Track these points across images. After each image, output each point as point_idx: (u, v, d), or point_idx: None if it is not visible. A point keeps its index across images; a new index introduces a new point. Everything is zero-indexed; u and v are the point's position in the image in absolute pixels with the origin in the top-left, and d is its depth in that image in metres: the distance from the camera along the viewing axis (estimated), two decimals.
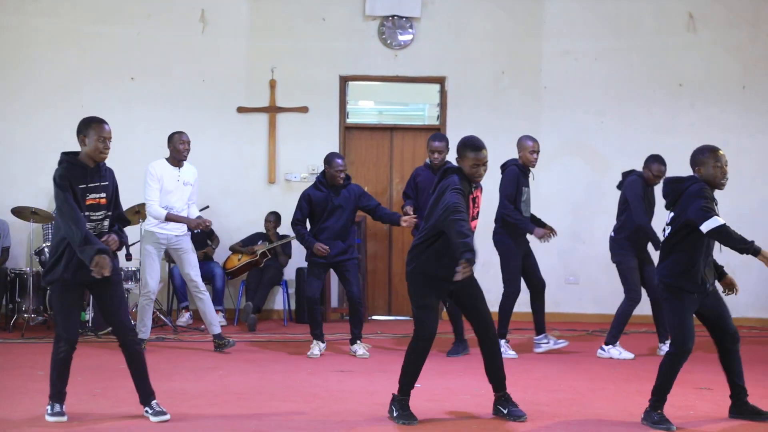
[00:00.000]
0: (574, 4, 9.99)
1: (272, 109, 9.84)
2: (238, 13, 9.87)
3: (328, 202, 7.34)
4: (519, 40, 9.99)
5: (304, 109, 9.85)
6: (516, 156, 7.53)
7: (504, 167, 7.48)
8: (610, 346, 7.46)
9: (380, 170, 10.12)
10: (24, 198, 9.00)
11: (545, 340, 7.63)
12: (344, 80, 9.94)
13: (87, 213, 4.89)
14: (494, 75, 9.97)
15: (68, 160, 4.93)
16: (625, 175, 7.67)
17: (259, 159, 9.86)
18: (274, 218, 9.50)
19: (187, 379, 6.26)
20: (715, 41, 9.90)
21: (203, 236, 9.26)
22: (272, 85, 9.84)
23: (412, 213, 7.45)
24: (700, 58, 9.90)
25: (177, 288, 9.20)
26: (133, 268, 8.27)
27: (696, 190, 4.97)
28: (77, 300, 5.07)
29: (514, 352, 7.44)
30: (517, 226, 7.38)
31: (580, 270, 9.88)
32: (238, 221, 9.63)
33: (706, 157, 5.06)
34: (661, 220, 6.29)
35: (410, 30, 9.91)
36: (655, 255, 7.48)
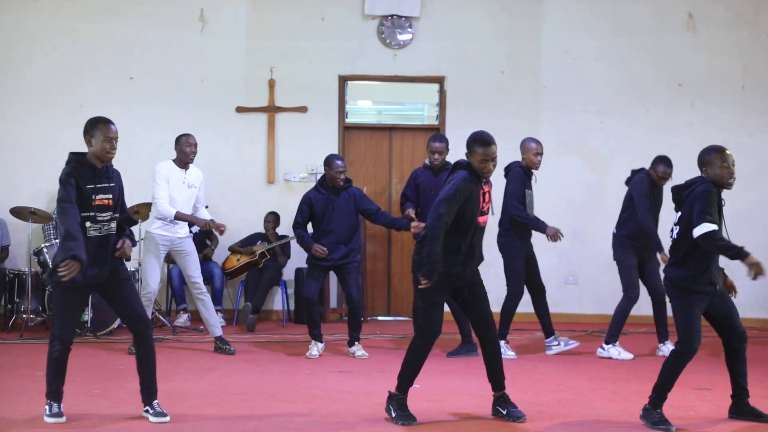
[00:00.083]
0: (573, 3, 9.99)
1: (271, 109, 9.83)
2: (237, 12, 9.85)
3: (329, 205, 7.32)
4: (518, 40, 9.98)
5: (303, 109, 9.84)
6: (516, 157, 7.53)
7: (508, 170, 7.48)
8: (610, 346, 7.46)
9: (379, 170, 10.11)
10: (23, 198, 8.99)
11: (555, 342, 7.63)
12: (343, 80, 9.93)
13: (94, 213, 4.88)
14: (494, 74, 9.96)
15: (77, 160, 4.92)
16: (635, 172, 7.66)
17: (258, 159, 9.85)
18: (273, 218, 9.49)
19: (186, 380, 6.25)
20: (714, 41, 9.89)
21: (202, 237, 9.24)
22: (271, 84, 9.83)
23: (413, 216, 7.44)
24: (699, 57, 9.89)
25: (175, 290, 9.19)
26: (132, 269, 8.26)
27: (700, 192, 4.97)
28: (80, 302, 5.06)
29: (513, 353, 7.44)
30: (523, 228, 7.38)
31: (580, 270, 9.88)
32: (237, 221, 9.61)
33: (712, 157, 5.06)
34: (665, 221, 6.31)
35: (409, 29, 9.90)
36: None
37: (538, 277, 7.57)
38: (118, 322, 8.17)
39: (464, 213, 4.98)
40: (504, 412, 5.15)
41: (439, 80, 9.97)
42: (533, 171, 7.50)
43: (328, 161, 7.39)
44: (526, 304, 7.62)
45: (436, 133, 8.58)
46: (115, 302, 5.11)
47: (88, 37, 9.60)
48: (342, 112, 9.93)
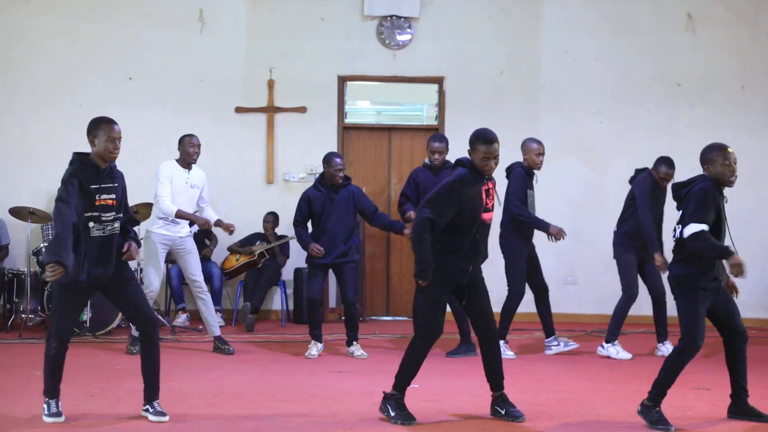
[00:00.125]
0: (572, 3, 9.99)
1: (270, 109, 9.83)
2: (236, 12, 9.85)
3: (327, 202, 7.32)
4: (517, 40, 9.98)
5: (302, 109, 9.84)
6: (515, 158, 7.52)
7: (509, 170, 7.48)
8: (609, 344, 7.46)
9: (378, 170, 10.11)
10: (22, 198, 8.98)
11: (555, 342, 7.63)
12: (342, 80, 9.93)
13: (98, 213, 4.88)
14: (493, 75, 9.96)
15: (80, 160, 4.92)
16: (638, 171, 7.66)
17: (258, 159, 9.85)
18: (272, 218, 9.49)
19: (185, 379, 6.25)
20: (714, 41, 9.88)
21: (201, 236, 9.23)
22: (270, 85, 9.83)
23: (414, 217, 7.41)
24: (698, 58, 9.89)
25: (174, 290, 9.18)
26: (133, 268, 8.24)
27: (695, 192, 4.98)
28: (80, 302, 5.06)
29: (512, 353, 7.44)
30: (524, 228, 7.38)
31: (579, 270, 9.88)
32: (236, 221, 9.47)
33: (714, 154, 5.07)
34: (669, 221, 6.30)
35: (409, 30, 9.90)
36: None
37: (541, 277, 7.58)
38: (116, 322, 8.18)
39: (464, 212, 4.98)
40: (503, 412, 5.15)
41: (439, 81, 9.97)
42: (535, 171, 7.51)
43: (327, 159, 7.39)
44: (526, 304, 7.61)
45: (436, 133, 8.58)
46: (120, 302, 5.12)
47: (88, 38, 9.59)
48: (341, 113, 9.93)
